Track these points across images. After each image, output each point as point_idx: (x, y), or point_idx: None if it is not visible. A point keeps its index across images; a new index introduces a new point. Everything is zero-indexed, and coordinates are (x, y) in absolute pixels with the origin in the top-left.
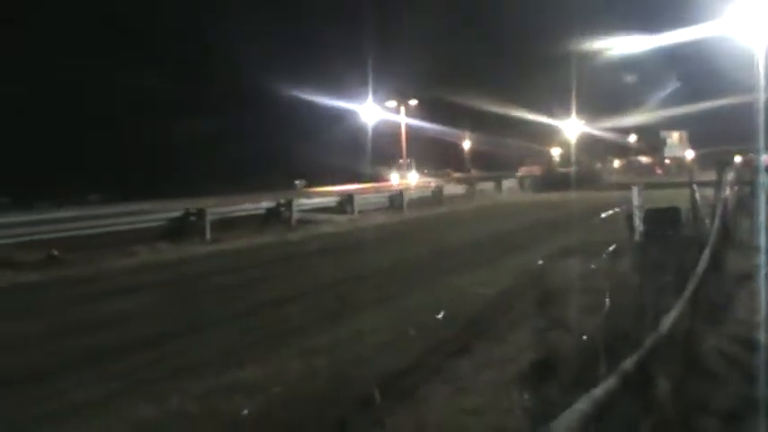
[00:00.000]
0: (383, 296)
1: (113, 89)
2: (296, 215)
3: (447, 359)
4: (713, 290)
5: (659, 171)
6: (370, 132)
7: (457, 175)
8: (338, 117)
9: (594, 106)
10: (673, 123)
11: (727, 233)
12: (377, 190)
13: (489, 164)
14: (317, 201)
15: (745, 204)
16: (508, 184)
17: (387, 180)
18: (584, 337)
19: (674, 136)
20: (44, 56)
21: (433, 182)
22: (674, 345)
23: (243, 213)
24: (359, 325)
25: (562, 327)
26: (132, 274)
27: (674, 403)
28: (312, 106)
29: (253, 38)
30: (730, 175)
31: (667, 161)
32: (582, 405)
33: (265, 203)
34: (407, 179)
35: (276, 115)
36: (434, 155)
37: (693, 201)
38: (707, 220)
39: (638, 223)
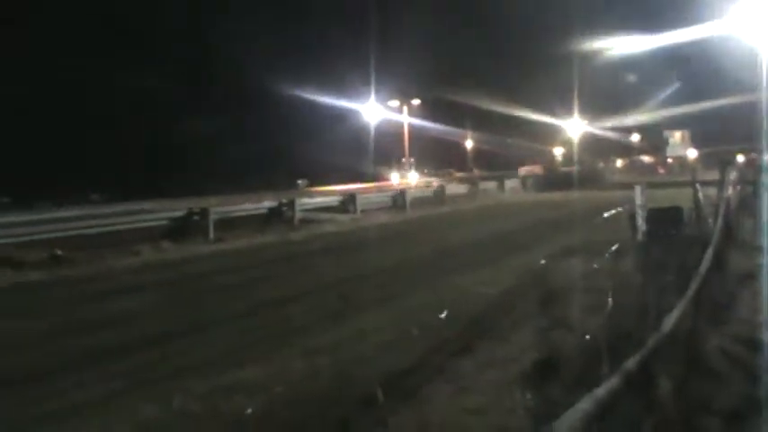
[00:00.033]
0: (386, 296)
1: (114, 89)
2: (298, 215)
3: (449, 359)
4: (716, 289)
5: (662, 170)
6: (372, 132)
7: (459, 174)
8: (340, 117)
9: (597, 106)
10: (675, 123)
11: (730, 233)
12: (379, 189)
13: (492, 163)
14: (319, 200)
15: (747, 204)
16: (510, 183)
17: (387, 180)
18: (587, 337)
19: (677, 135)
20: (44, 56)
21: (434, 181)
22: (676, 344)
23: (245, 213)
24: (361, 324)
25: (565, 326)
26: (135, 274)
27: (677, 403)
28: (314, 106)
29: (255, 37)
30: (733, 175)
31: (670, 160)
32: (584, 404)
33: (268, 203)
34: (408, 179)
35: (278, 115)
36: (437, 154)
37: (696, 200)
38: (710, 220)
39: (641, 223)
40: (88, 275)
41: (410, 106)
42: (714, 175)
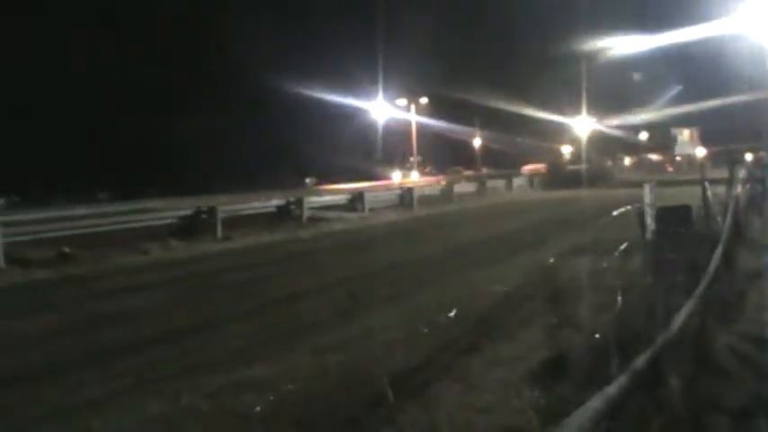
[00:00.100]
0: (394, 293)
1: (117, 88)
2: (306, 213)
3: (458, 357)
4: (725, 288)
5: (670, 169)
6: (380, 130)
7: (468, 172)
8: (348, 115)
9: (604, 104)
10: (684, 121)
11: (739, 231)
12: (387, 188)
13: (500, 162)
14: (327, 198)
15: (756, 202)
16: (519, 181)
17: (389, 179)
18: (597, 336)
19: (686, 133)
20: (44, 56)
21: (436, 179)
22: (685, 343)
23: (253, 211)
24: (370, 322)
25: (574, 325)
26: (144, 272)
27: (686, 401)
28: (322, 104)
29: (262, 36)
30: (742, 173)
31: (678, 159)
32: (595, 403)
33: (276, 201)
34: (409, 178)
35: (285, 113)
36: (445, 153)
37: (705, 198)
38: (719, 218)
39: (650, 221)
40: (96, 273)
41: (418, 104)
42: (723, 173)
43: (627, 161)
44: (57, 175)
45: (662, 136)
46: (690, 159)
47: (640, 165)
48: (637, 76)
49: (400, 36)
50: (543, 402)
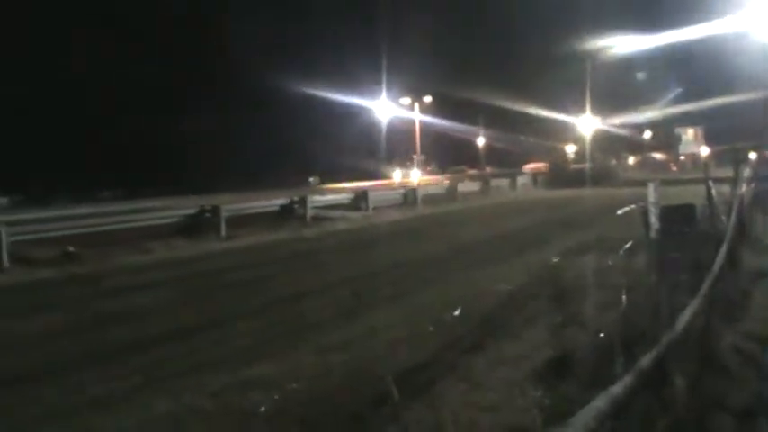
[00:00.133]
0: (398, 293)
1: (120, 88)
2: (310, 212)
3: (462, 356)
4: (729, 287)
5: (674, 168)
6: (384, 129)
7: (472, 171)
8: (351, 114)
9: (608, 103)
10: (687, 120)
11: (743, 230)
12: (390, 187)
13: (504, 161)
14: (331, 197)
15: (760, 201)
16: (522, 180)
17: (389, 178)
18: (602, 335)
19: (690, 132)
20: (46, 55)
21: (437, 178)
22: (690, 342)
23: (257, 210)
24: (374, 321)
25: (579, 323)
26: (147, 271)
27: (690, 400)
28: (325, 103)
29: (265, 35)
30: (746, 172)
31: (682, 158)
32: (599, 402)
33: (279, 200)
34: (410, 177)
35: (289, 112)
36: (448, 151)
37: (710, 197)
38: (723, 217)
39: (654, 220)
40: (100, 273)
41: (422, 103)
42: (727, 172)
43: (631, 160)
44: (57, 176)
45: (666, 135)
46: (694, 158)
47: (644, 164)
48: (640, 75)
49: (404, 35)
50: (548, 401)
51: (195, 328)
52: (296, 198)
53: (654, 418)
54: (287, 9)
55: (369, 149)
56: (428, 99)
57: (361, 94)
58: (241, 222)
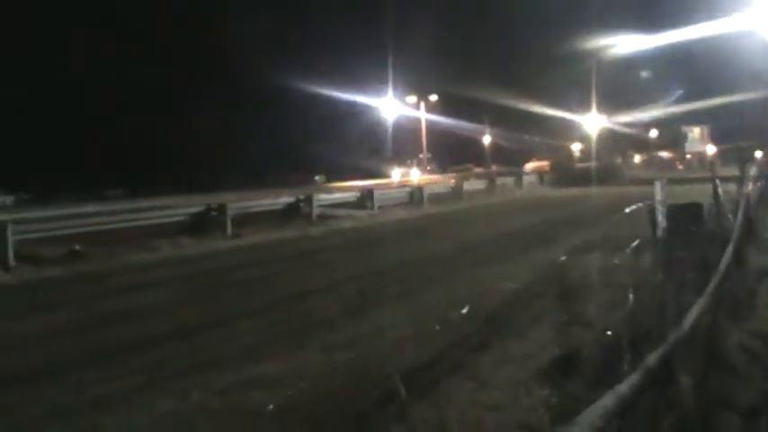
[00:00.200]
0: (404, 291)
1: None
2: (316, 210)
3: (468, 354)
4: (736, 286)
5: (680, 166)
6: (389, 128)
7: (478, 170)
8: (357, 113)
9: (613, 102)
10: (694, 118)
11: (750, 229)
12: (396, 185)
13: (509, 159)
14: (337, 196)
15: (766, 200)
16: (528, 179)
17: (388, 177)
18: (608, 333)
19: (696, 131)
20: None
21: (438, 177)
22: (696, 341)
23: (263, 208)
24: (380, 320)
25: (586, 322)
26: (154, 269)
27: (696, 399)
28: (331, 102)
29: (270, 35)
30: (753, 171)
31: (689, 156)
32: (606, 401)
33: (285, 199)
34: (409, 176)
35: (293, 111)
36: (453, 150)
37: (716, 196)
38: (730, 216)
39: (661, 219)
40: (107, 271)
41: (427, 102)
42: (733, 171)
43: (637, 158)
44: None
45: (672, 133)
46: (700, 157)
47: (650, 162)
48: (645, 74)
49: (409, 34)
50: (554, 400)
51: (201, 327)
52: (302, 196)
53: (660, 417)
54: (290, 8)
55: (372, 148)
56: (434, 98)
57: (366, 92)
58: (247, 221)
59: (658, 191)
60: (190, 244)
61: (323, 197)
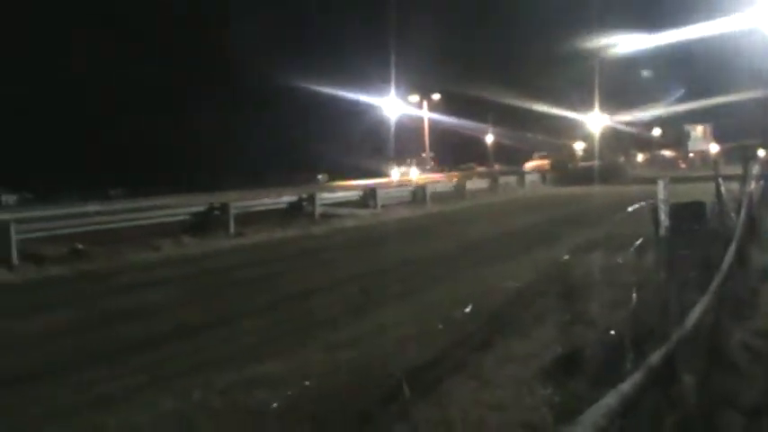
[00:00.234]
0: (407, 290)
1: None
2: (319, 209)
3: (471, 353)
4: (739, 285)
5: (683, 165)
6: (392, 127)
7: (480, 168)
8: (358, 112)
9: (616, 101)
10: (696, 117)
11: (753, 228)
12: (399, 184)
13: (512, 158)
14: (339, 195)
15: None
16: (531, 177)
17: (387, 176)
18: (612, 332)
19: (699, 129)
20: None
21: (439, 176)
22: (699, 339)
23: (266, 208)
24: (383, 319)
25: (589, 321)
26: (156, 268)
27: (699, 398)
28: (333, 101)
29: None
30: (755, 169)
31: (691, 155)
32: (609, 400)
33: (288, 198)
34: (409, 175)
35: (294, 111)
36: (456, 149)
37: (719, 195)
38: (732, 215)
39: (664, 218)
40: (109, 270)
41: (430, 101)
42: (736, 169)
43: (639, 157)
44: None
45: (675, 132)
46: (703, 156)
47: (653, 161)
48: (647, 73)
49: (411, 33)
50: (557, 399)
51: (203, 326)
52: (305, 195)
53: (663, 416)
54: (292, 8)
55: (375, 147)
56: (437, 97)
57: (368, 91)
58: (250, 220)
59: (661, 189)
60: (192, 243)
61: (326, 196)
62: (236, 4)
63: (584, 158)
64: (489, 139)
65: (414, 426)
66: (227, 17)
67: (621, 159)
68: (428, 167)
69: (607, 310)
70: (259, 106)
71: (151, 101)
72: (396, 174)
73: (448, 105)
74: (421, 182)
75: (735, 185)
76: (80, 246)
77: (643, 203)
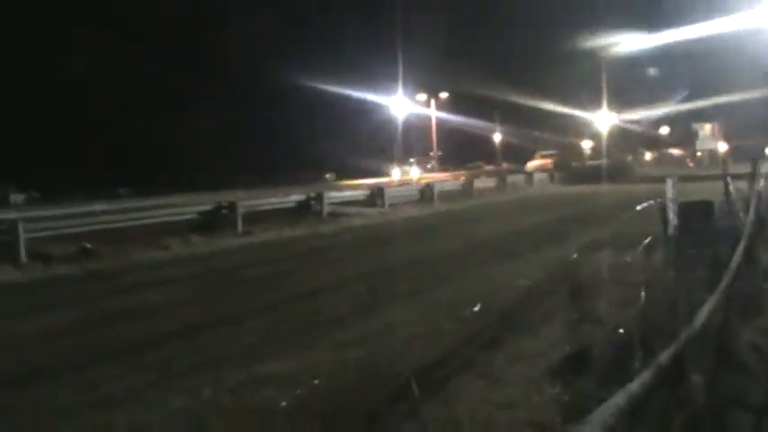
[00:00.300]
0: (415, 289)
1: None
2: (327, 208)
3: (479, 352)
4: (747, 284)
5: (691, 164)
6: (400, 126)
7: (488, 167)
8: (365, 111)
9: (624, 99)
10: (704, 115)
11: (761, 227)
12: (402, 183)
13: (520, 157)
14: (347, 194)
15: None
16: (539, 176)
17: (388, 176)
18: (620, 331)
19: (707, 128)
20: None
21: (443, 176)
22: (708, 339)
23: (274, 206)
24: (390, 318)
25: (597, 320)
26: (165, 267)
27: (708, 397)
28: (340, 100)
29: (278, 34)
30: (764, 168)
31: (699, 154)
32: (618, 399)
33: (296, 196)
34: (410, 175)
35: (301, 110)
36: (462, 148)
37: (727, 193)
38: (741, 214)
39: (672, 216)
40: (117, 269)
41: (438, 100)
42: (744, 168)
43: (647, 156)
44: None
45: (683, 131)
46: (711, 154)
47: (661, 160)
48: (654, 72)
49: (418, 32)
50: (566, 398)
51: (211, 324)
52: (312, 194)
53: (671, 415)
54: (302, 7)
55: (381, 146)
56: (444, 95)
57: (376, 90)
58: (257, 218)
59: (670, 188)
60: (200, 242)
61: (333, 195)
62: (236, 4)
63: (592, 157)
64: (497, 137)
65: (422, 425)
66: (227, 17)
67: (629, 158)
68: (429, 167)
69: (615, 308)
70: (265, 106)
71: (151, 101)
72: (396, 173)
73: (456, 104)
74: (429, 181)
75: (743, 184)
76: (88, 245)
77: (651, 202)
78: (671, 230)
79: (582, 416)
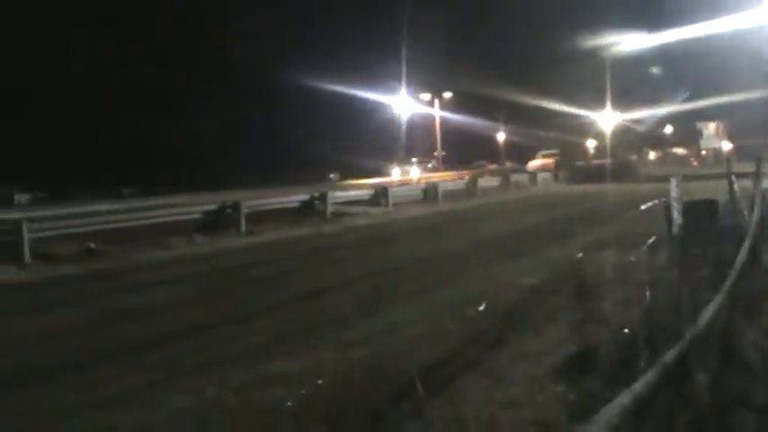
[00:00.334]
0: (419, 288)
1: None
2: (331, 208)
3: (483, 351)
4: (752, 284)
5: (695, 163)
6: (403, 126)
7: (492, 167)
8: (368, 110)
9: (628, 99)
10: (708, 114)
11: (765, 226)
12: (411, 182)
13: (523, 156)
14: (351, 193)
15: None
16: (543, 175)
17: (388, 175)
18: (625, 330)
19: (711, 127)
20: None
21: (446, 175)
22: (712, 338)
23: (277, 206)
24: (395, 317)
25: (602, 320)
26: (169, 267)
27: (712, 397)
28: (344, 99)
29: (280, 33)
30: None
31: (704, 152)
32: (623, 399)
33: (300, 196)
34: (409, 175)
35: (303, 110)
36: (466, 147)
37: (732, 192)
38: (745, 212)
39: (677, 216)
40: (122, 269)
41: (441, 99)
42: (749, 167)
43: (652, 155)
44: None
45: (687, 130)
46: (716, 153)
47: (665, 159)
48: (657, 71)
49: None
50: (571, 398)
51: (216, 324)
52: (316, 194)
53: (676, 415)
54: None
55: (382, 146)
56: (448, 95)
57: (379, 90)
58: (261, 218)
59: (674, 188)
60: (204, 241)
61: (337, 195)
62: (236, 4)
63: (597, 156)
64: (501, 137)
65: (426, 424)
66: (227, 17)
67: (634, 157)
68: (429, 166)
69: (620, 308)
70: (265, 106)
71: (151, 101)
72: (396, 173)
73: (459, 103)
74: (433, 180)
75: (748, 183)
76: (92, 244)
77: (656, 201)
78: (675, 230)
79: (587, 415)
